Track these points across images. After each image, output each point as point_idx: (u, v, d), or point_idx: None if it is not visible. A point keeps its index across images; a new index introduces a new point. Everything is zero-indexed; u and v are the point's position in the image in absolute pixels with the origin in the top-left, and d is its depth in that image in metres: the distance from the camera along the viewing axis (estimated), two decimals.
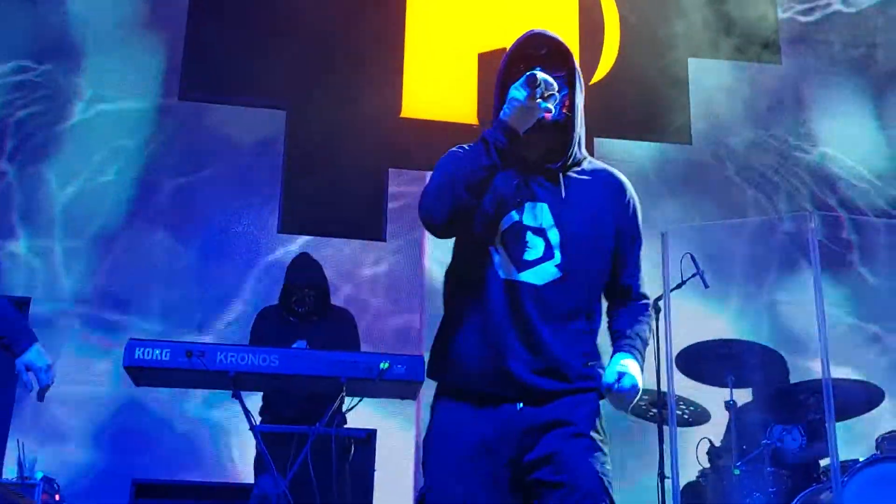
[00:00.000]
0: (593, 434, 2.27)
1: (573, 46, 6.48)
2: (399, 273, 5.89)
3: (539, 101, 2.20)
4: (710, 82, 6.61)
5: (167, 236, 5.82)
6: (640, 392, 2.32)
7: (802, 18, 6.96)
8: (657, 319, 4.77)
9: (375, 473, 4.31)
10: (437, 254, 5.62)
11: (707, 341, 4.77)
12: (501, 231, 2.31)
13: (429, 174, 2.39)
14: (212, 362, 3.79)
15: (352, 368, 3.83)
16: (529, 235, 2.30)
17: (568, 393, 2.29)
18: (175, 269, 5.75)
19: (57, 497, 4.18)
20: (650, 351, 4.70)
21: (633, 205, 2.46)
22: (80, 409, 5.34)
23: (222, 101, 6.02)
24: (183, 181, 5.90)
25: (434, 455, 2.31)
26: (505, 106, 2.24)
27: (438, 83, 6.15)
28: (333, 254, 5.60)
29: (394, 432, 5.24)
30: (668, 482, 4.34)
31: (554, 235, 2.30)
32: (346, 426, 4.21)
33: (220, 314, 5.66)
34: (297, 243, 5.70)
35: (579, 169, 2.40)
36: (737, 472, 4.31)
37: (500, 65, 2.39)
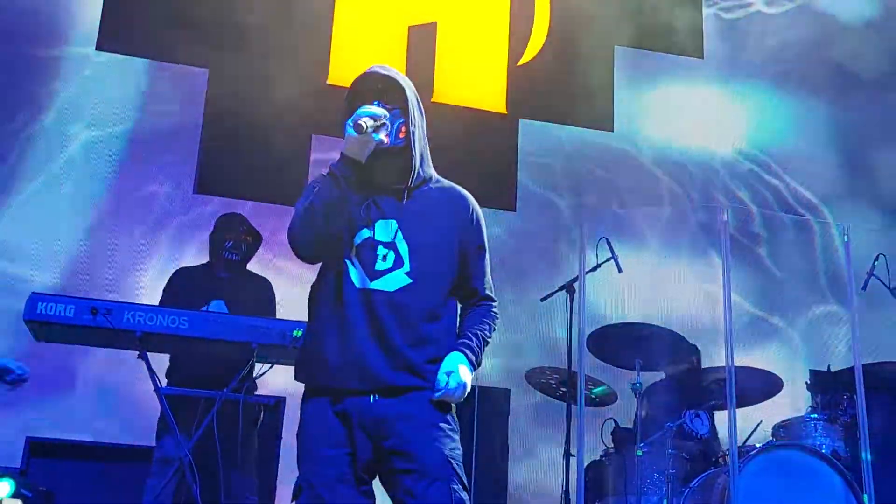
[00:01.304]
0: (442, 424, 2.54)
1: (502, 26, 6.51)
2: None
3: (372, 133, 2.52)
4: (634, 71, 6.70)
5: (76, 190, 5.61)
6: (467, 389, 2.58)
7: (725, 15, 7.12)
8: (570, 301, 4.85)
9: (282, 441, 4.26)
10: None
11: (616, 324, 4.87)
12: (356, 246, 2.62)
13: None
14: (118, 321, 3.70)
15: (264, 335, 3.80)
16: (380, 248, 2.61)
17: (421, 388, 2.55)
18: (83, 225, 5.56)
19: None
20: (562, 332, 4.77)
21: (476, 217, 2.76)
22: None
23: (142, 55, 5.83)
24: (96, 134, 5.70)
25: (302, 451, 2.57)
26: (344, 141, 2.58)
27: (367, 52, 6.06)
28: (249, 217, 5.45)
29: None
30: (573, 460, 4.42)
31: (403, 247, 2.61)
32: (256, 392, 4.14)
33: (129, 273, 5.49)
34: (213, 205, 5.55)
35: (426, 187, 2.72)
36: (640, 452, 4.42)
37: (346, 96, 2.70)
